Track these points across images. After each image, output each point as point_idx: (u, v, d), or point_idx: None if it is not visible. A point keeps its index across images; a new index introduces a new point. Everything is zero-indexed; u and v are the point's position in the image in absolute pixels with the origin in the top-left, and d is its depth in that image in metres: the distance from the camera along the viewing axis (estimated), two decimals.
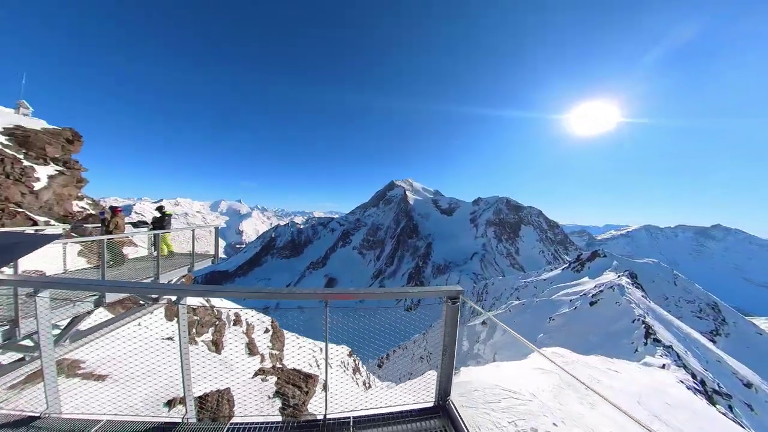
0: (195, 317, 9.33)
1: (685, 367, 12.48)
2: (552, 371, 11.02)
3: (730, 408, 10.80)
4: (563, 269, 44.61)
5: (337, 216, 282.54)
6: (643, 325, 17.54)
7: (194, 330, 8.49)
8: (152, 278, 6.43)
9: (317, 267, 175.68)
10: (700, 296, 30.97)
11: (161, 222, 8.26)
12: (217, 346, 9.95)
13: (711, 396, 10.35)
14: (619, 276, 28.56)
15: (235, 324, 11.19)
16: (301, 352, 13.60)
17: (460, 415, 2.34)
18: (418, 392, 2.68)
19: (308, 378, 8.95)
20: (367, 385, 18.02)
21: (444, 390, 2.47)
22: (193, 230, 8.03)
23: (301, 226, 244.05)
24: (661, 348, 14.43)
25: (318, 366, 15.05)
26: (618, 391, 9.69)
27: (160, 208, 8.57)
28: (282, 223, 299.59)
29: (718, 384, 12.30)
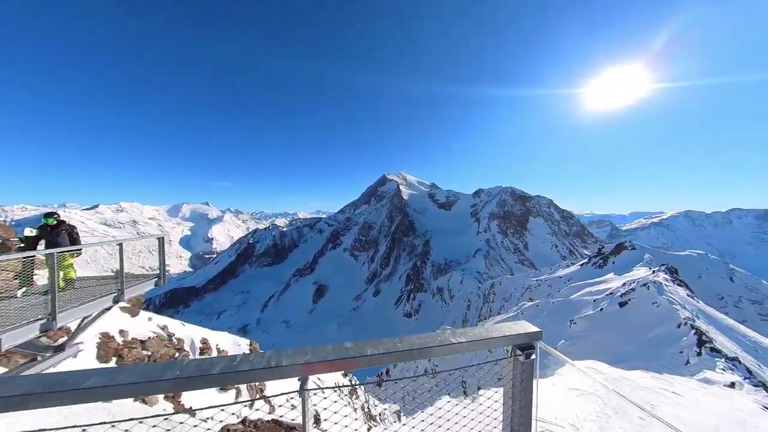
0: (145, 352, 7.31)
1: (764, 386, 11.18)
2: (591, 393, 9.24)
3: None
4: (582, 265, 43.91)
5: (324, 216, 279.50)
6: (693, 331, 16.33)
7: None
8: (45, 320, 4.43)
9: (304, 273, 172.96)
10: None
11: (53, 235, 6.00)
12: None
13: None
14: (653, 271, 27.52)
15: (202, 353, 9.57)
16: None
17: None
18: None
19: (292, 430, 7.11)
20: (366, 410, 16.49)
21: None
22: (120, 244, 5.85)
23: (284, 229, 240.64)
24: (723, 360, 13.20)
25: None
26: (686, 421, 8.09)
27: (49, 215, 6.25)
28: (261, 226, 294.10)
29: None
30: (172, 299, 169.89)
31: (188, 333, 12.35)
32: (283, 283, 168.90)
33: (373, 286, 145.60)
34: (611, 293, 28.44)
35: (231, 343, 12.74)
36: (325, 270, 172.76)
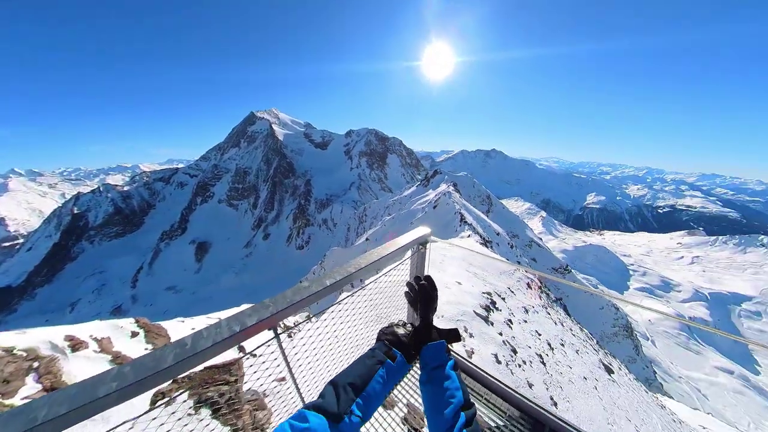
0: None
1: (479, 234, 21.98)
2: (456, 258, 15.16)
3: (491, 247, 21.35)
4: (417, 186, 57.87)
5: (181, 166, 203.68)
6: (459, 216, 27.93)
7: None
8: None
9: (175, 235, 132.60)
10: (483, 192, 53.24)
11: None
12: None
13: (487, 244, 19.85)
14: (448, 186, 41.43)
15: (75, 350, 6.23)
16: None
17: None
18: None
19: (230, 366, 6.79)
20: (282, 323, 19.02)
21: None
22: None
23: (126, 188, 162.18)
24: (467, 226, 24.27)
25: None
26: (454, 256, 15.49)
27: None
28: (84, 189, 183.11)
29: (488, 237, 23.44)
30: None
31: (38, 337, 7.82)
32: (151, 251, 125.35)
33: (261, 231, 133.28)
34: (430, 202, 40.91)
35: (110, 328, 9.24)
36: (200, 226, 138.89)
